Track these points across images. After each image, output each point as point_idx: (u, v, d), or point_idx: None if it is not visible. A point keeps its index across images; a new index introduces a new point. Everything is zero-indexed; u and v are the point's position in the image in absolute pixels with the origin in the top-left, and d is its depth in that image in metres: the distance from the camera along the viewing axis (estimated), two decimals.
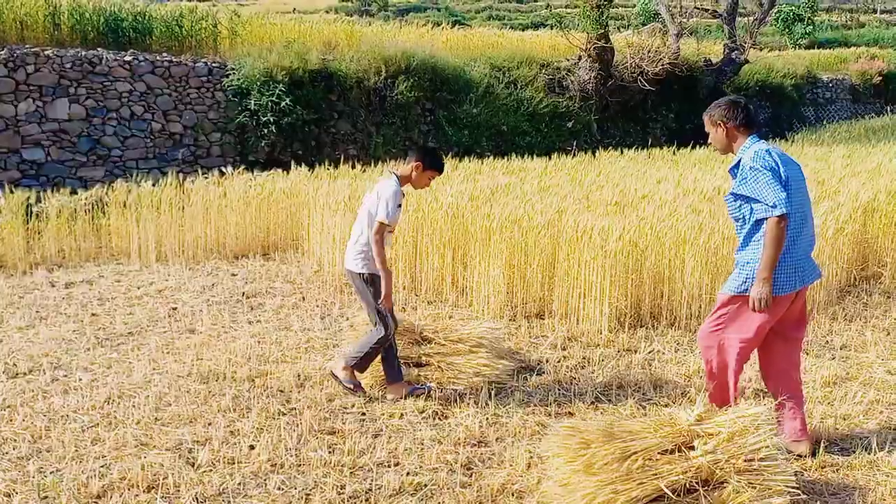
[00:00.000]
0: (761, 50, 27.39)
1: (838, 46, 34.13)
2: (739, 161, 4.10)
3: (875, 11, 53.82)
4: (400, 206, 4.80)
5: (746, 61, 19.78)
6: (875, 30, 45.91)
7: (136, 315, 6.80)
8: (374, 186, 4.95)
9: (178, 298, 7.37)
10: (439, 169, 4.98)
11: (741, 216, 4.12)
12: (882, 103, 26.37)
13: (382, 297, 4.74)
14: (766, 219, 3.92)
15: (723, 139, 4.21)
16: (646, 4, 36.58)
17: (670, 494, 3.30)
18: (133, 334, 6.27)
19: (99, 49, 12.51)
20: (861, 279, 7.79)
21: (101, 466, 3.95)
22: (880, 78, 26.37)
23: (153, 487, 3.77)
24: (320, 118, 13.65)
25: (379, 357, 4.93)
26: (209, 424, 4.47)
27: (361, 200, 5.05)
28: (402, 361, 5.07)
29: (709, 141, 4.32)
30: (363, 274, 4.80)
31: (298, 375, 5.24)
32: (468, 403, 4.80)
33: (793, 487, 3.41)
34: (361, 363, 4.88)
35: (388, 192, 4.73)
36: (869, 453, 4.12)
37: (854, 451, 4.15)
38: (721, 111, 4.18)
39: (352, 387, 4.88)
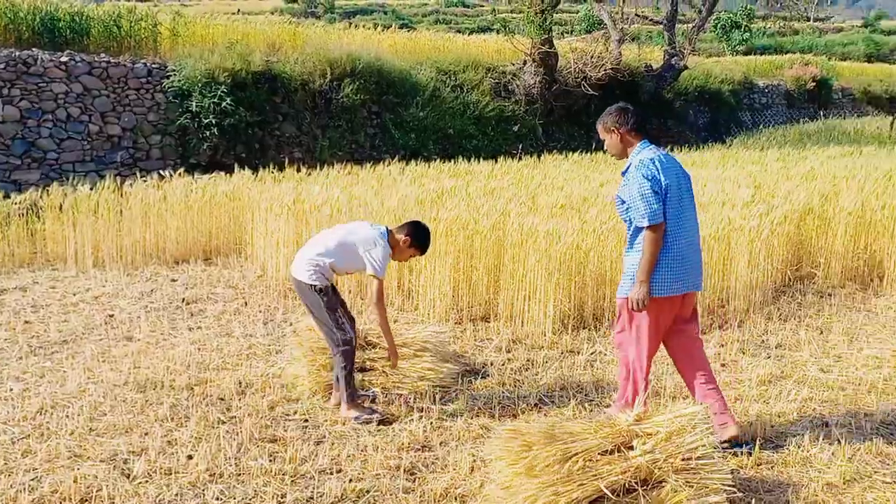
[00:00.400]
0: (700, 56, 28.05)
1: (774, 53, 35.22)
2: (629, 166, 4.28)
3: (809, 19, 55.73)
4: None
5: (686, 67, 20.23)
6: (809, 37, 47.54)
7: (71, 322, 6.59)
8: (355, 226, 4.82)
9: (116, 305, 7.18)
10: (423, 251, 4.91)
11: (627, 219, 4.28)
12: (815, 108, 27.27)
13: (390, 354, 4.79)
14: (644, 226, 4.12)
15: (617, 144, 4.36)
16: (589, 11, 37.15)
17: (610, 495, 3.34)
18: (68, 342, 6.08)
19: (34, 49, 12.13)
20: (795, 279, 8.02)
21: (32, 480, 3.81)
22: (814, 84, 27.27)
23: (86, 500, 3.65)
24: (264, 120, 13.48)
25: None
26: (146, 434, 4.35)
27: (323, 226, 4.95)
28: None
29: (605, 147, 4.46)
30: (315, 285, 4.61)
31: (239, 383, 5.15)
32: (412, 408, 4.78)
33: (729, 485, 3.48)
34: (351, 394, 4.64)
35: (381, 253, 4.62)
36: (802, 450, 4.23)
37: (788, 449, 4.27)
38: (613, 118, 4.34)
39: (367, 415, 4.60)
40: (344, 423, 4.57)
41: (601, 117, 4.40)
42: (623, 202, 4.24)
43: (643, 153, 4.26)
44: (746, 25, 38.65)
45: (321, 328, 4.73)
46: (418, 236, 4.79)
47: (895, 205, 8.04)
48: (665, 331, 4.38)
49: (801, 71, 27.39)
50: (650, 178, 4.11)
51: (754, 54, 34.42)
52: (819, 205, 8.32)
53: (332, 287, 4.70)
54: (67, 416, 4.56)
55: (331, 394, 4.91)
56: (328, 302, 4.63)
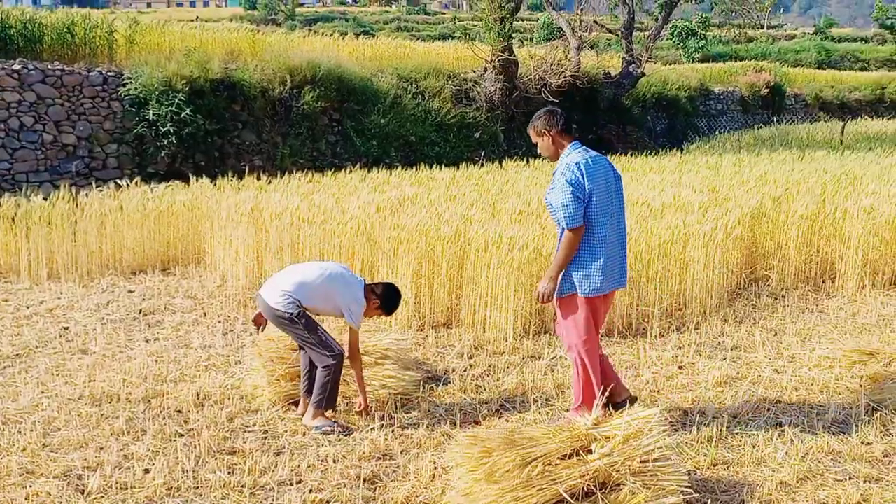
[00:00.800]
0: (657, 63, 28.52)
1: (729, 60, 35.93)
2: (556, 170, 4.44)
3: (763, 27, 56.98)
4: None
5: (643, 74, 20.54)
6: (763, 44, 48.67)
7: (24, 336, 6.44)
8: (338, 273, 4.76)
9: (71, 317, 7.04)
10: (389, 314, 5.00)
11: (556, 219, 4.40)
12: (769, 114, 27.89)
13: (363, 403, 4.79)
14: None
15: (549, 146, 4.50)
16: (548, 18, 37.53)
17: (569, 499, 3.37)
18: (21, 356, 5.94)
19: None
20: (750, 282, 8.19)
21: None
22: (768, 90, 27.88)
23: None
24: (223, 128, 13.33)
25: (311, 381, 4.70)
26: (101, 449, 4.27)
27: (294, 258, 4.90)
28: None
29: (538, 150, 4.57)
30: (291, 314, 4.55)
31: (198, 394, 5.08)
32: (373, 416, 4.77)
33: (686, 487, 3.54)
34: (326, 401, 4.59)
35: (359, 307, 4.65)
36: (757, 450, 4.32)
37: (743, 449, 4.35)
38: (543, 121, 4.48)
39: (331, 429, 4.55)
40: (304, 434, 4.54)
41: (532, 121, 4.52)
42: (551, 205, 4.37)
43: (571, 156, 4.40)
44: (702, 33, 39.47)
45: (307, 350, 4.68)
46: (388, 303, 4.82)
47: (845, 208, 8.24)
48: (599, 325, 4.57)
49: (755, 78, 27.99)
50: (573, 182, 4.26)
51: (710, 61, 35.09)
52: (772, 208, 8.50)
53: (305, 311, 4.63)
54: (20, 432, 4.46)
55: (291, 404, 4.87)
56: (307, 324, 4.58)
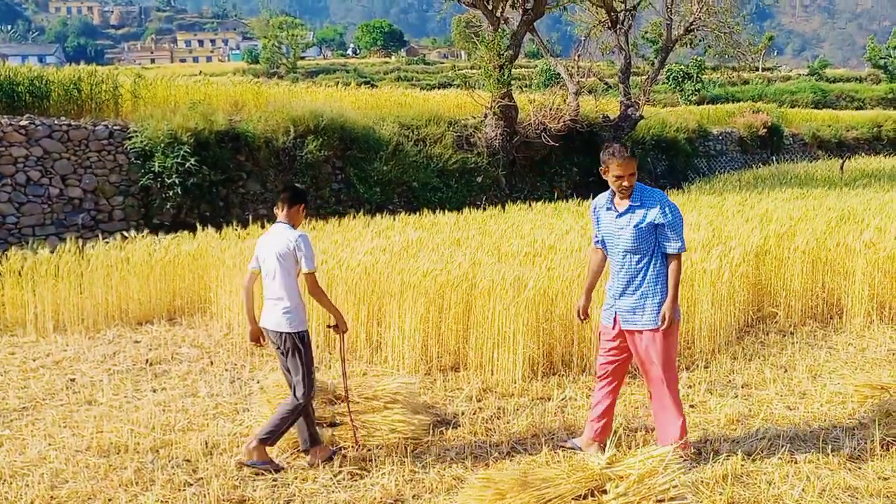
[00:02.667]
0: (654, 106, 28.87)
1: (726, 102, 36.42)
2: (649, 199, 4.54)
3: (757, 69, 57.77)
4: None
5: (642, 117, 20.78)
6: (758, 86, 49.29)
7: (31, 388, 6.42)
8: (273, 240, 4.81)
9: (77, 369, 7.02)
10: (306, 203, 5.07)
11: (641, 249, 4.50)
12: (768, 153, 28.12)
13: (343, 329, 4.88)
14: (677, 254, 4.53)
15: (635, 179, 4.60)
16: (546, 65, 38.14)
17: None
18: (28, 409, 5.92)
19: None
20: (757, 319, 8.16)
21: None
22: (765, 130, 28.17)
23: None
24: (228, 178, 13.48)
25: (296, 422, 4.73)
26: (109, 500, 4.23)
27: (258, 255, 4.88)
28: (317, 421, 4.97)
29: (625, 183, 4.53)
30: (298, 333, 4.67)
31: (206, 443, 5.04)
32: (384, 462, 4.73)
33: None
34: (275, 437, 4.61)
35: (308, 243, 4.73)
36: (773, 488, 4.26)
37: (759, 487, 4.29)
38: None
39: (266, 466, 4.58)
40: (314, 481, 4.49)
41: (628, 152, 4.51)
42: (641, 234, 4.47)
43: (653, 189, 4.63)
44: (698, 76, 40.02)
45: (293, 371, 4.68)
46: (297, 198, 4.90)
47: (847, 244, 8.26)
48: None
49: (753, 118, 28.31)
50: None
51: (707, 103, 35.54)
52: (776, 246, 8.52)
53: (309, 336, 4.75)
54: (27, 485, 4.42)
55: (300, 451, 4.83)
56: (306, 352, 4.67)
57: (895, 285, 8.15)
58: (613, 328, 4.67)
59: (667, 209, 4.51)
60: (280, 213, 4.85)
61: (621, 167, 4.47)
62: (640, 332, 4.56)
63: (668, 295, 4.51)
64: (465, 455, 4.83)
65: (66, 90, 13.80)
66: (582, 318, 5.00)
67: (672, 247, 4.53)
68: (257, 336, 4.91)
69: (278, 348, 4.77)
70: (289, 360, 4.70)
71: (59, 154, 12.17)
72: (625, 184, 4.51)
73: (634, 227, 4.49)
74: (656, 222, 4.49)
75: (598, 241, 4.85)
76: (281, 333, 4.69)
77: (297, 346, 4.67)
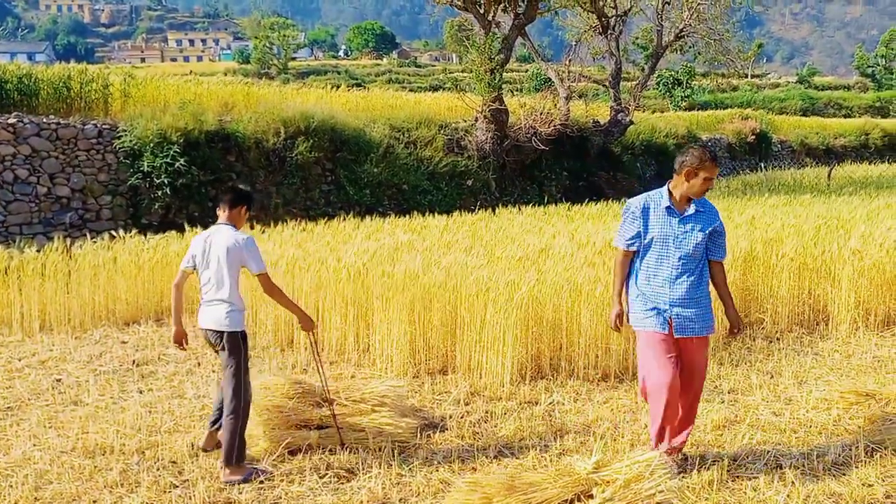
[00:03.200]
0: (644, 111, 29.02)
1: (715, 108, 36.63)
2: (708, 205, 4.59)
3: (746, 76, 58.17)
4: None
5: (632, 122, 20.89)
6: (747, 93, 49.69)
7: (16, 388, 6.37)
8: (216, 241, 4.74)
9: (63, 369, 6.98)
10: (251, 206, 5.03)
11: (696, 254, 4.49)
12: (756, 160, 28.31)
13: (307, 328, 4.88)
14: (720, 261, 4.63)
15: None
16: (537, 69, 38.25)
17: None
18: (12, 409, 5.87)
19: None
20: (745, 325, 8.19)
21: None
22: (754, 136, 28.38)
23: None
24: (217, 179, 13.44)
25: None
26: (94, 502, 4.20)
27: (203, 257, 4.79)
28: (304, 424, 4.97)
29: (704, 189, 4.44)
30: (240, 332, 4.69)
31: (192, 445, 5.01)
32: (371, 465, 4.72)
33: None
34: (237, 451, 4.51)
35: (255, 245, 4.73)
36: (758, 493, 4.28)
37: (745, 493, 4.31)
38: None
39: (248, 476, 4.50)
40: (301, 483, 4.48)
41: (713, 158, 4.43)
42: (705, 239, 4.48)
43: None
44: (687, 82, 40.26)
45: (229, 377, 4.61)
46: (240, 200, 4.87)
47: (834, 251, 8.32)
48: None
49: (742, 125, 28.51)
50: None
51: (696, 109, 35.75)
52: (763, 252, 8.57)
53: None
54: (11, 486, 4.39)
55: (288, 453, 4.82)
56: (245, 351, 4.68)
57: (881, 293, 8.22)
58: (668, 334, 4.43)
59: (719, 217, 4.60)
60: (222, 214, 4.82)
61: (712, 171, 4.40)
62: (695, 339, 4.49)
63: (731, 302, 4.69)
64: (453, 459, 4.83)
65: (55, 88, 13.73)
66: (620, 325, 4.64)
67: (720, 254, 4.60)
68: (181, 338, 4.89)
69: (215, 347, 4.75)
70: (226, 358, 4.65)
71: (48, 152, 12.10)
72: (710, 187, 4.47)
73: (701, 231, 4.46)
74: (717, 230, 4.54)
75: (633, 243, 4.54)
76: (222, 333, 4.66)
77: (238, 345, 4.65)
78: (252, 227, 10.63)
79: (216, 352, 4.78)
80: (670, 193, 4.51)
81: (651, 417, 4.53)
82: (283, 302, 4.87)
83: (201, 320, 4.77)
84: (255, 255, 4.70)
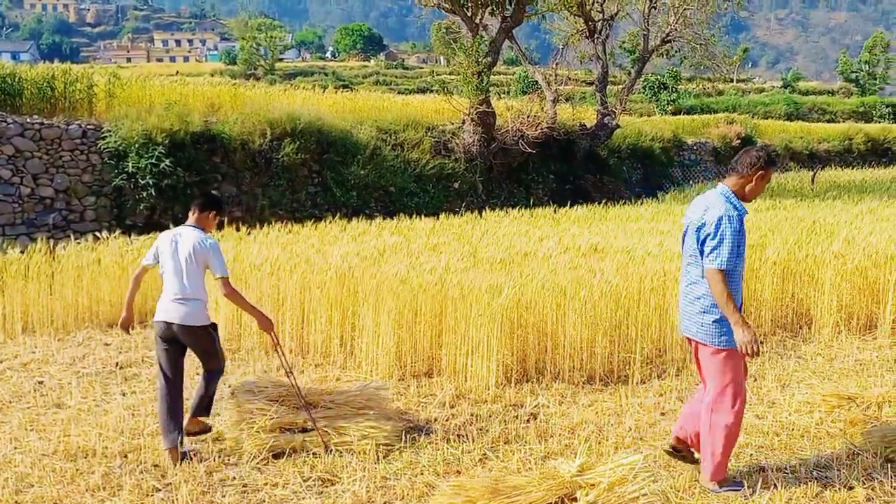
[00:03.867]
0: (631, 115, 29.16)
1: (701, 112, 36.87)
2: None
3: (732, 81, 58.59)
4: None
5: (618, 126, 20.98)
6: (733, 97, 50.00)
7: None
8: (183, 240, 4.97)
9: (45, 371, 6.92)
10: (222, 212, 5.32)
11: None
12: None
13: (265, 328, 5.07)
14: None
15: None
16: (524, 72, 38.35)
17: None
18: None
19: None
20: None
21: None
22: (739, 141, 28.57)
23: None
24: (203, 180, 13.37)
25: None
26: None
27: (170, 255, 4.99)
28: (287, 427, 4.96)
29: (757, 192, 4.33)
30: (209, 325, 4.99)
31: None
32: (355, 468, 4.71)
33: None
34: (210, 406, 5.06)
35: (219, 249, 4.97)
36: (741, 495, 4.30)
37: (727, 495, 4.33)
38: None
39: (206, 430, 5.02)
40: (285, 487, 4.47)
41: (775, 161, 4.30)
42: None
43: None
44: (674, 86, 40.49)
45: (207, 361, 5.00)
46: (211, 205, 5.13)
47: (817, 255, 8.39)
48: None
49: (727, 129, 28.71)
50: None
51: (682, 114, 35.96)
52: (747, 256, 8.61)
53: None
54: None
55: (272, 457, 4.81)
56: (217, 337, 5.03)
57: (863, 296, 8.29)
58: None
59: None
60: (192, 216, 5.10)
61: (771, 174, 4.31)
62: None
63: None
64: (437, 461, 4.83)
65: (39, 88, 13.60)
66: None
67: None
68: (129, 324, 5.17)
69: (173, 342, 4.90)
70: (201, 349, 4.95)
71: (31, 153, 12.00)
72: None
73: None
74: None
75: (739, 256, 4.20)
76: (190, 327, 4.86)
77: (210, 335, 4.97)
78: (238, 229, 10.59)
79: (166, 346, 4.91)
80: (735, 196, 4.23)
81: (724, 443, 4.24)
82: (242, 305, 5.10)
83: (165, 315, 4.91)
84: (219, 258, 4.94)
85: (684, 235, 4.41)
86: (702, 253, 4.16)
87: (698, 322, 4.25)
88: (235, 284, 5.44)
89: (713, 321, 4.18)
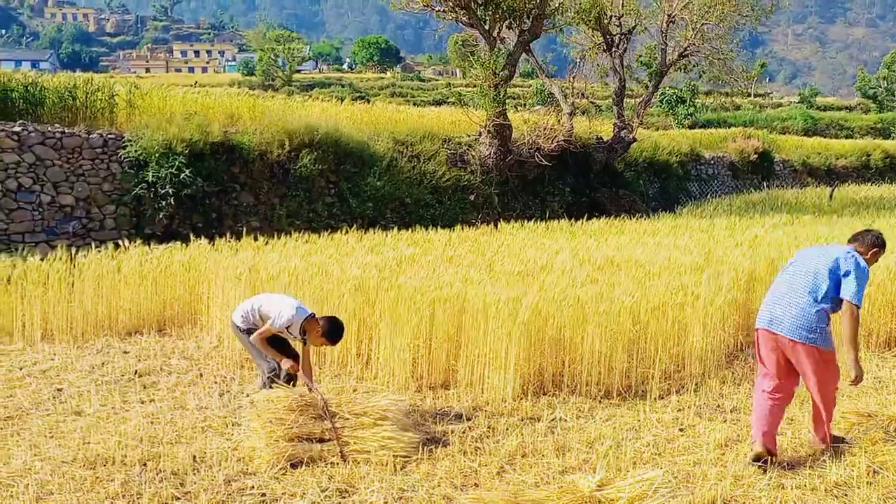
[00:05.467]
0: (648, 129, 29.11)
1: (718, 126, 36.74)
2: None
3: (749, 95, 58.41)
4: (289, 331, 5.76)
5: (635, 139, 20.95)
6: (750, 112, 49.84)
7: (16, 397, 6.36)
8: (280, 300, 5.94)
9: (65, 379, 6.97)
10: (333, 343, 5.83)
11: None
12: (759, 179, 28.35)
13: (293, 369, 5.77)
14: None
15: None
16: (541, 85, 38.42)
17: None
18: (13, 418, 5.86)
19: None
20: (747, 344, 8.19)
21: None
22: (756, 156, 28.44)
23: None
24: (221, 190, 13.48)
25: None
26: None
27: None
28: (306, 437, 4.97)
29: None
30: (240, 327, 5.99)
31: (194, 457, 5.01)
32: (373, 479, 4.71)
33: None
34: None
35: (289, 314, 5.68)
36: None
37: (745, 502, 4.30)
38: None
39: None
40: (303, 497, 4.48)
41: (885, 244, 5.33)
42: None
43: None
44: (691, 100, 40.41)
45: (253, 359, 6.16)
46: (330, 332, 5.68)
47: None
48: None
49: (744, 144, 28.58)
50: None
51: (699, 128, 35.85)
52: (766, 271, 8.58)
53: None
54: (11, 496, 4.38)
55: (290, 466, 4.82)
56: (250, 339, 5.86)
57: (883, 314, 8.21)
58: None
59: None
60: None
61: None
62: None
63: None
64: (455, 474, 4.82)
65: (60, 97, 13.78)
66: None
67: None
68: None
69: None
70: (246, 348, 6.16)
71: (52, 161, 12.14)
72: None
73: None
74: None
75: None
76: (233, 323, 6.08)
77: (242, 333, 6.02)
78: (255, 239, 10.63)
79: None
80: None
81: (826, 420, 5.23)
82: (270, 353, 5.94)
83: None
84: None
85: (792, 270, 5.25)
86: (835, 290, 5.05)
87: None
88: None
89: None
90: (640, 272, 8.15)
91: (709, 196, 24.43)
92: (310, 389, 5.45)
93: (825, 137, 40.70)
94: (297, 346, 5.95)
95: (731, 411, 6.13)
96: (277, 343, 5.89)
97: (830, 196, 22.39)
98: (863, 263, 5.08)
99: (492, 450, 5.26)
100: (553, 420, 5.87)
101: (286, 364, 5.75)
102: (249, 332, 5.88)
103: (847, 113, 55.39)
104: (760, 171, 28.78)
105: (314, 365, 7.30)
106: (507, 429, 5.67)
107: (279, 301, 5.87)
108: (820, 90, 76.63)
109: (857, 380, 5.02)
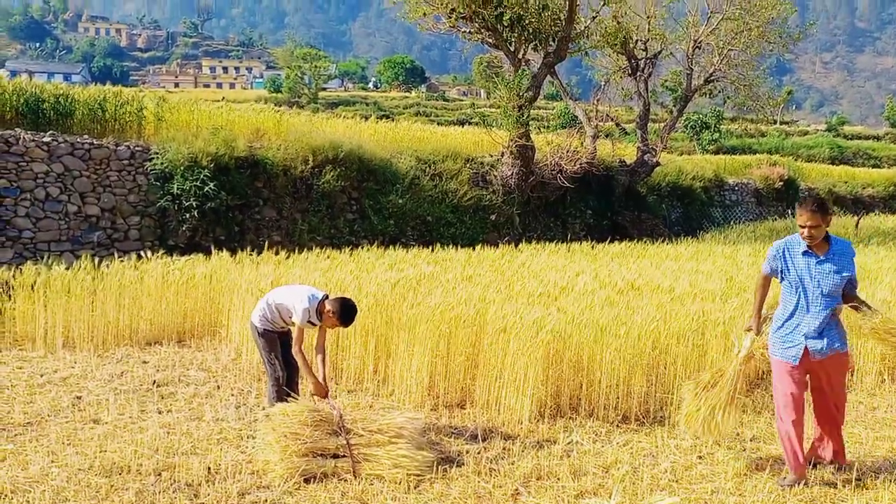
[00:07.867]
0: (671, 153, 29.00)
1: (743, 153, 36.52)
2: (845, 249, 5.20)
3: (775, 122, 58.05)
4: (311, 322, 5.59)
5: (658, 163, 20.86)
6: (776, 139, 49.48)
7: (36, 404, 6.42)
8: (296, 289, 5.82)
9: (84, 387, 7.03)
10: (345, 325, 5.69)
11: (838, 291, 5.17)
12: (784, 206, 28.09)
13: (321, 394, 5.53)
14: None
15: (824, 231, 5.07)
16: (565, 107, 38.49)
17: None
18: (32, 424, 5.91)
19: (16, 129, 12.24)
20: (767, 373, 8.05)
21: None
22: (781, 183, 28.19)
23: None
24: (245, 204, 13.60)
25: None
26: None
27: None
28: (320, 452, 4.95)
29: (810, 233, 5.04)
30: (257, 328, 5.88)
31: (209, 468, 5.01)
32: (386, 497, 4.68)
33: None
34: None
35: (302, 307, 5.53)
36: None
37: None
38: (827, 206, 5.08)
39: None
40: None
41: (812, 205, 4.99)
42: (843, 281, 5.14)
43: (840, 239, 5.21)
44: (716, 126, 40.26)
45: (263, 360, 6.02)
46: (341, 314, 5.54)
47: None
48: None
49: (769, 171, 28.35)
50: None
51: (724, 153, 35.65)
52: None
53: (274, 334, 5.89)
54: (28, 502, 4.40)
55: (304, 481, 4.80)
56: (265, 344, 5.86)
57: None
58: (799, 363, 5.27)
59: (854, 262, 5.21)
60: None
61: (801, 217, 5.01)
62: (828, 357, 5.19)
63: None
64: (468, 495, 4.78)
65: (90, 109, 14.03)
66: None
67: (854, 290, 5.36)
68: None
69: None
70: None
71: (80, 172, 12.32)
72: (805, 233, 5.01)
73: (838, 274, 5.07)
74: (852, 274, 5.18)
75: (774, 273, 5.34)
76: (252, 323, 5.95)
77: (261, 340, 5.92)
78: (277, 253, 10.71)
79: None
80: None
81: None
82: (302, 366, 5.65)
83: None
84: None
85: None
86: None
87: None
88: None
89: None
90: (661, 297, 8.08)
91: (732, 222, 24.20)
92: (324, 379, 5.57)
93: (852, 166, 40.27)
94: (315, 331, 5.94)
95: (750, 440, 6.03)
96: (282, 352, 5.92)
97: (856, 225, 22.11)
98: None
99: (506, 472, 5.21)
100: (569, 443, 5.81)
101: (313, 388, 5.54)
102: (267, 332, 5.83)
103: (875, 142, 54.79)
104: (785, 198, 28.51)
105: (330, 380, 7.31)
106: (523, 451, 5.62)
107: (291, 296, 5.70)
108: (847, 119, 76.02)
109: None
